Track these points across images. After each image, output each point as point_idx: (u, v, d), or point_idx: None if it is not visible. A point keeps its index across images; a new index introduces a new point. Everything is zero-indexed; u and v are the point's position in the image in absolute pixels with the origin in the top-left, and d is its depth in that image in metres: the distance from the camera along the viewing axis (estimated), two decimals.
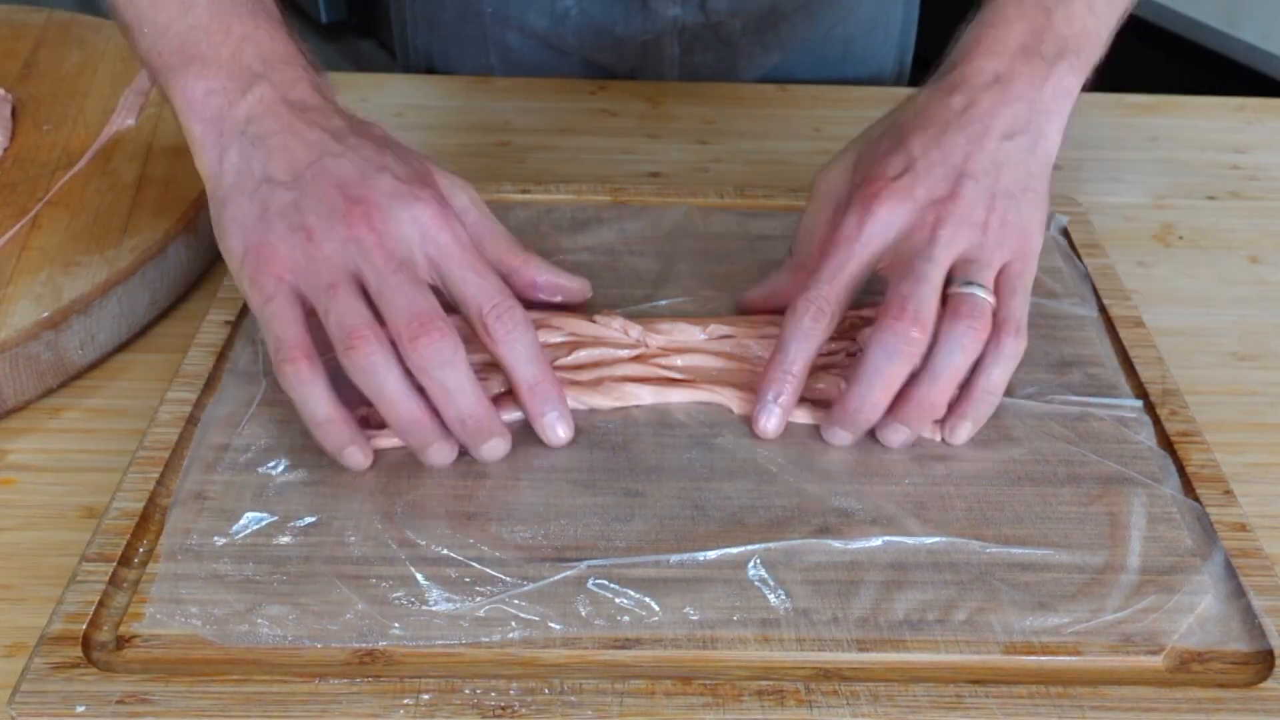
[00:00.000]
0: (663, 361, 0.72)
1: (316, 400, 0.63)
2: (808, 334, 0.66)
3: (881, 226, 0.66)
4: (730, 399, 0.70)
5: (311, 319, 0.64)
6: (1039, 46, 0.69)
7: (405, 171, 0.66)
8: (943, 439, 0.68)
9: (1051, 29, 0.70)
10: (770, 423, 0.67)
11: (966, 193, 0.66)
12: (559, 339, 0.73)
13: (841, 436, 0.67)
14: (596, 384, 0.70)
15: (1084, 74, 0.71)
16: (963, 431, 0.67)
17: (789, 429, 0.69)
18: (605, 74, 1.15)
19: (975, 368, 0.65)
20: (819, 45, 1.16)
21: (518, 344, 0.64)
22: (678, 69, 1.15)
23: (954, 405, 0.67)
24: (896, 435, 0.67)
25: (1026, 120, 0.68)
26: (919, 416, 0.66)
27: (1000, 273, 0.66)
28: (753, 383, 0.70)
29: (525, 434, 0.68)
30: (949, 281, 0.65)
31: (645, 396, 0.70)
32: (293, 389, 0.63)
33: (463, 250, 0.64)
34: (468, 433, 0.64)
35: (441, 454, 0.65)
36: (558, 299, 0.73)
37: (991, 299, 0.65)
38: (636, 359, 0.72)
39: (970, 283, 0.65)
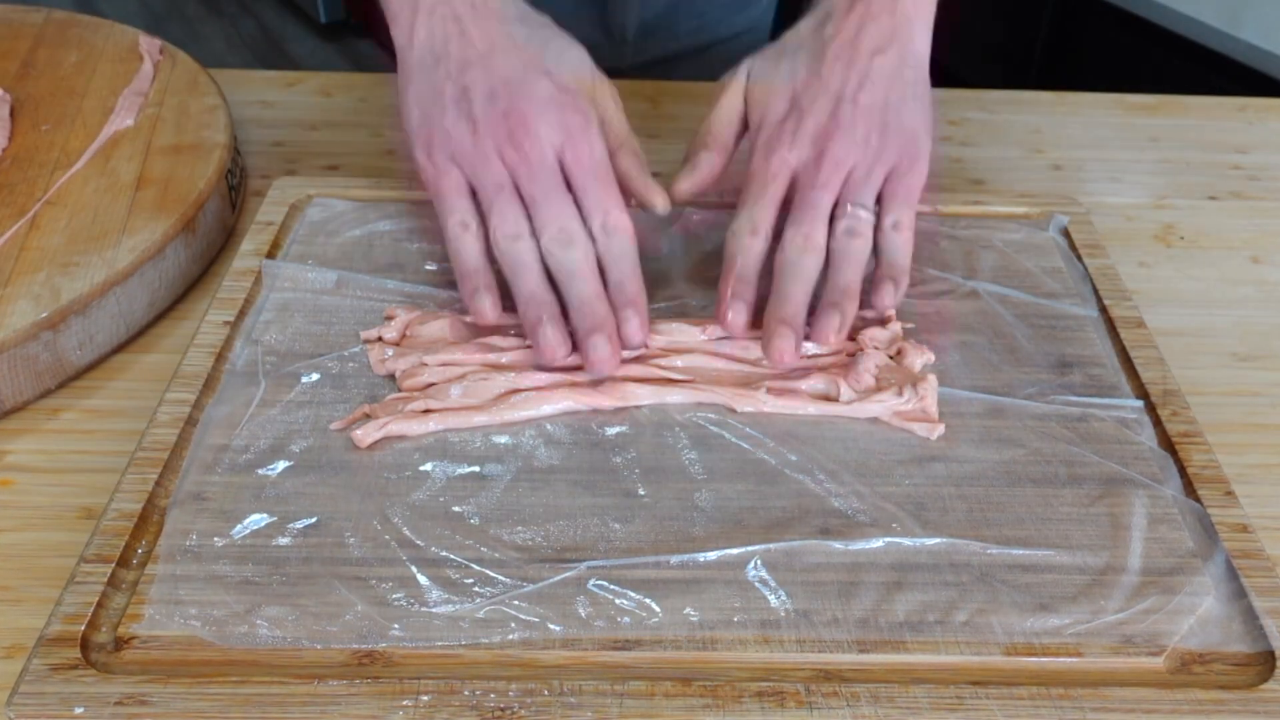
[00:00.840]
0: (662, 362, 0.72)
1: (469, 251, 0.73)
2: (750, 248, 0.74)
3: (781, 163, 0.75)
4: (731, 398, 0.70)
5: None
6: None
7: (562, 78, 0.74)
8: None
9: None
10: (739, 317, 0.72)
11: (845, 115, 0.74)
12: None
13: (784, 337, 0.71)
14: (597, 384, 0.70)
15: None
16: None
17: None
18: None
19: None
20: None
21: (615, 246, 0.72)
22: (638, 25, 1.17)
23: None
24: (831, 321, 0.72)
25: (891, 32, 0.76)
26: (832, 310, 0.72)
27: (887, 179, 0.75)
28: (752, 381, 0.71)
29: (525, 434, 0.68)
30: (839, 201, 0.74)
31: (645, 396, 0.70)
32: (453, 239, 0.73)
33: (593, 162, 0.72)
34: (585, 317, 0.71)
35: (552, 333, 0.70)
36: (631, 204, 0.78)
37: (871, 215, 0.74)
38: (636, 359, 0.72)
39: (852, 204, 0.74)
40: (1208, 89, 1.20)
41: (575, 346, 0.71)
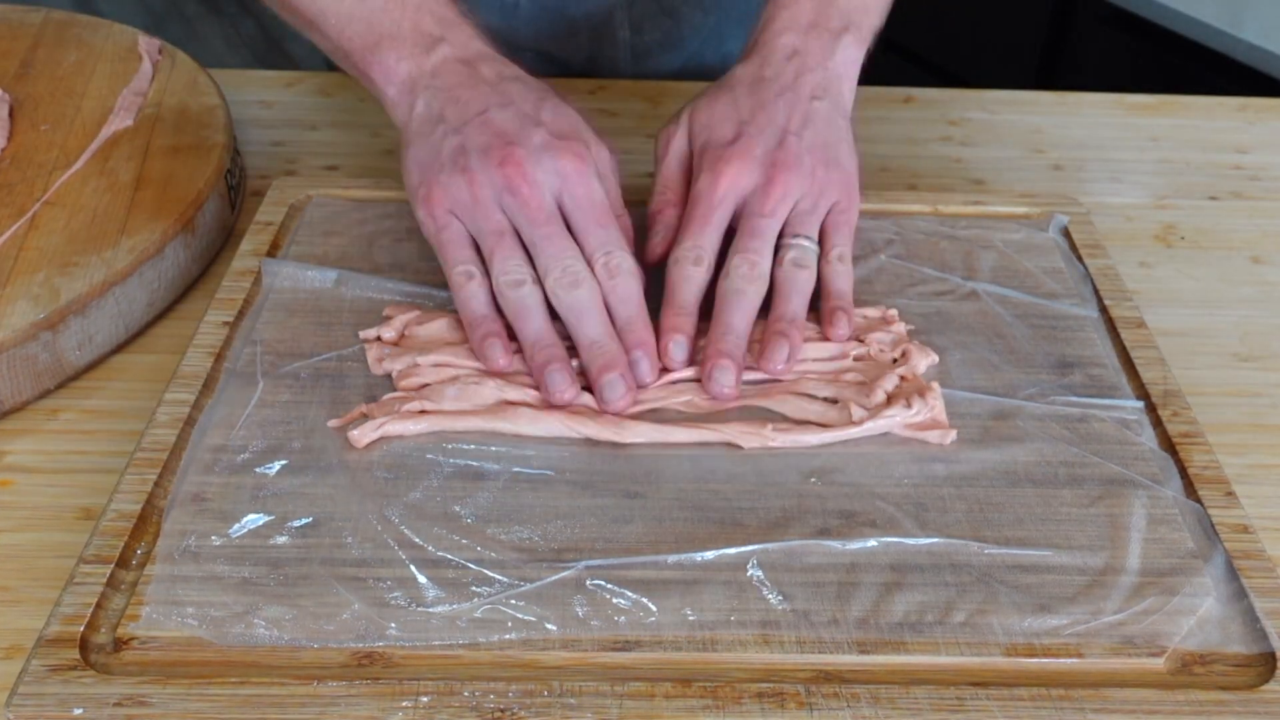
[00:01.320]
0: (663, 403, 0.71)
1: (478, 301, 0.73)
2: (692, 277, 0.74)
3: (729, 185, 0.75)
4: (736, 436, 0.68)
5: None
6: (826, 22, 0.81)
7: (557, 127, 0.74)
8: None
9: (835, 5, 0.82)
10: (680, 352, 0.72)
11: (792, 147, 0.76)
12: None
13: (724, 370, 0.70)
14: (595, 414, 0.69)
15: (865, 43, 0.83)
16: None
17: (799, 406, 0.69)
18: (562, 68, 1.16)
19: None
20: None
21: (620, 288, 0.72)
22: (630, 52, 1.16)
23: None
24: (779, 353, 0.72)
25: (824, 84, 0.80)
26: (781, 339, 0.72)
27: (829, 212, 0.77)
28: (756, 418, 0.70)
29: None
30: (782, 233, 0.75)
31: (646, 434, 0.68)
32: (458, 290, 0.73)
33: (592, 204, 0.73)
34: (597, 357, 0.70)
35: (562, 377, 0.70)
36: None
37: (815, 247, 0.76)
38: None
39: (798, 235, 0.75)
40: (1208, 89, 1.20)
41: (585, 387, 0.71)
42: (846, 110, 0.81)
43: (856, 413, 0.69)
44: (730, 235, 0.75)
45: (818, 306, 0.76)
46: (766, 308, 0.74)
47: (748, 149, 0.76)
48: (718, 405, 0.70)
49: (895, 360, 0.73)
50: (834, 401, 0.70)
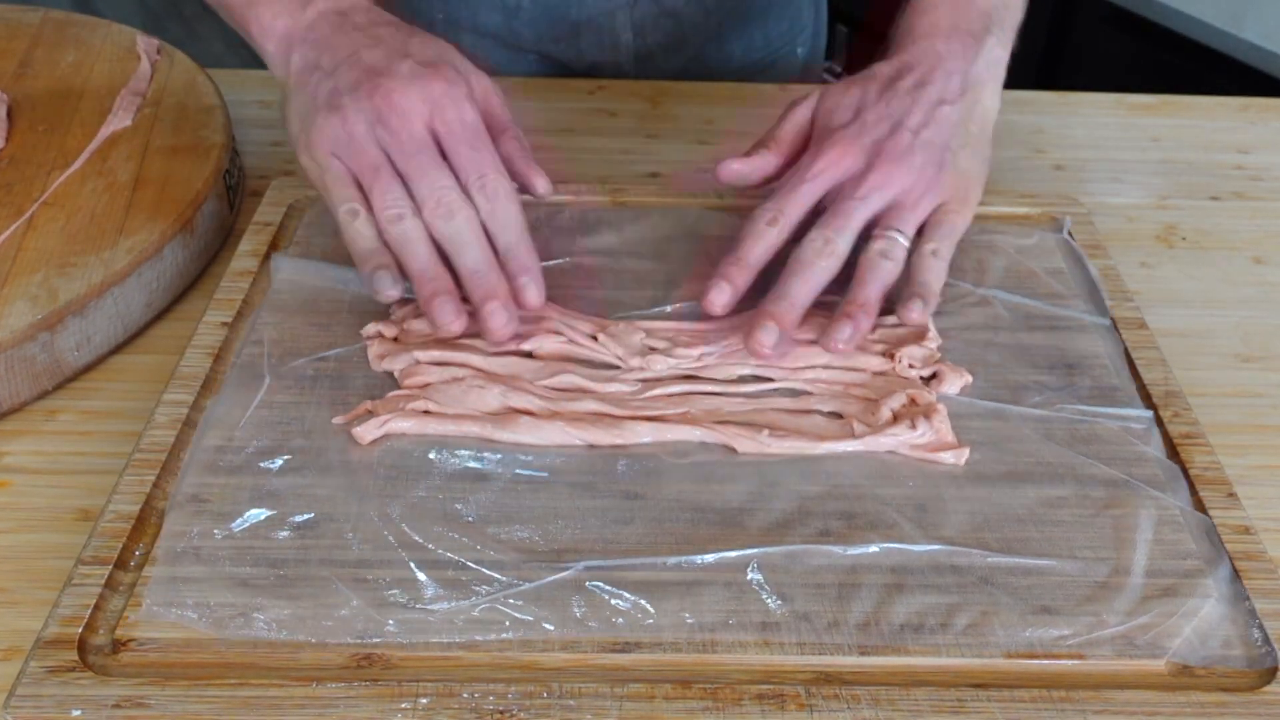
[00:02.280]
0: (660, 392, 0.71)
1: (361, 236, 0.72)
2: (763, 235, 0.74)
3: (829, 165, 0.75)
4: (732, 438, 0.68)
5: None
6: (967, 25, 0.80)
7: (426, 56, 0.74)
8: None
9: (974, 6, 0.80)
10: (721, 298, 0.73)
11: (903, 140, 0.75)
12: (554, 345, 0.73)
13: (768, 330, 0.70)
14: (595, 419, 0.69)
15: (1009, 42, 0.82)
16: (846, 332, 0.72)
17: (796, 423, 0.69)
18: (563, 70, 1.15)
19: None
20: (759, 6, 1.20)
21: (499, 213, 0.72)
22: (632, 55, 1.16)
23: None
24: (843, 331, 0.72)
25: (961, 89, 0.78)
26: (846, 320, 0.72)
27: (933, 212, 0.76)
28: (755, 421, 0.69)
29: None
30: (876, 222, 0.74)
31: (646, 434, 0.68)
32: (344, 228, 0.73)
33: (463, 127, 0.73)
34: (476, 287, 0.70)
35: (447, 308, 0.70)
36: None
37: (907, 243, 0.74)
38: (632, 395, 0.71)
39: (891, 228, 0.74)
40: (1210, 89, 1.19)
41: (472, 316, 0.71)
42: (986, 116, 0.80)
43: (858, 428, 0.68)
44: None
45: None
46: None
47: (857, 135, 0.75)
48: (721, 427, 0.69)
49: (926, 380, 0.73)
50: (839, 416, 0.70)
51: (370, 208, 0.72)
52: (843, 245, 0.73)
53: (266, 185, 0.88)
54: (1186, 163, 1.02)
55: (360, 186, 0.73)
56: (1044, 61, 2.10)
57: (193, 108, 0.93)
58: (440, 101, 0.72)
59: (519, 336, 0.72)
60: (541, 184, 0.77)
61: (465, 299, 0.71)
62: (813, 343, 0.73)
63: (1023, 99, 1.11)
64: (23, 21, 1.03)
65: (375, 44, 0.75)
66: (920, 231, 0.75)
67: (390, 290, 0.71)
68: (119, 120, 0.90)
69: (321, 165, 0.73)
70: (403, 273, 0.72)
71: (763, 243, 0.74)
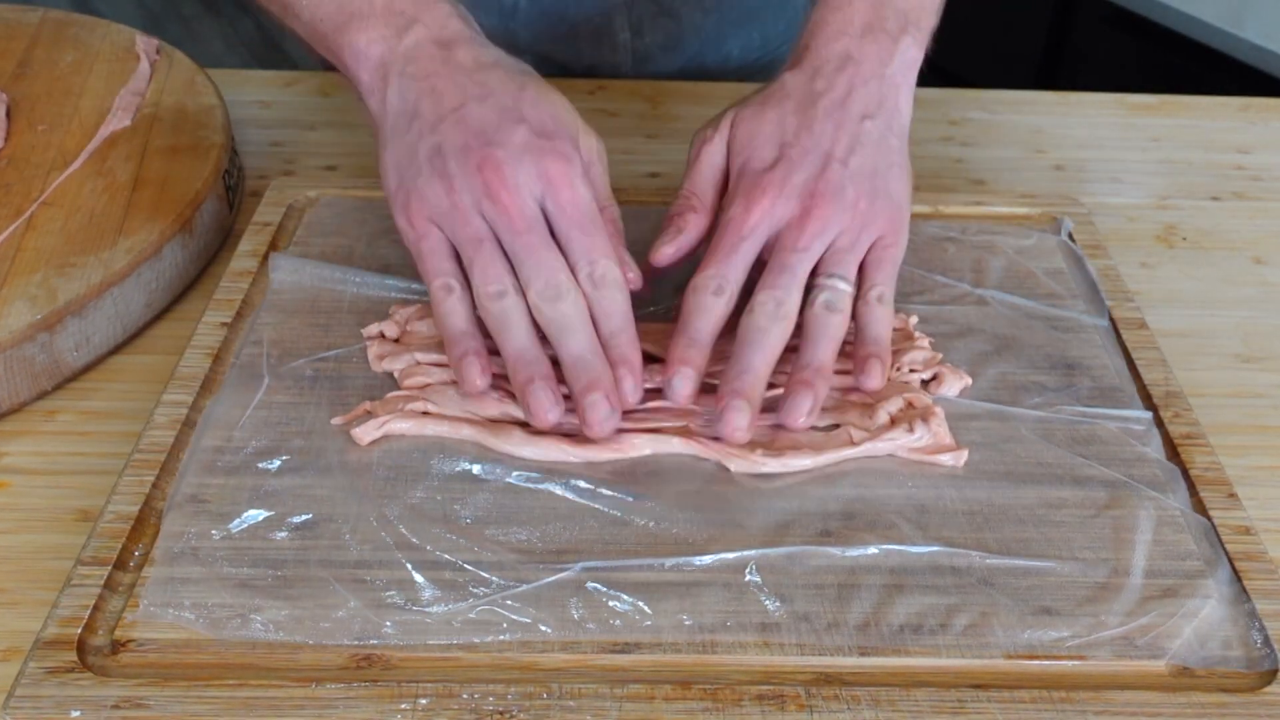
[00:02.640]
0: (659, 404, 0.70)
1: (457, 316, 0.69)
2: (712, 309, 0.70)
3: (763, 215, 0.71)
4: (725, 456, 0.67)
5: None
6: (882, 24, 0.75)
7: (541, 122, 0.70)
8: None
9: (890, 4, 0.76)
10: (685, 387, 0.68)
11: (834, 176, 0.71)
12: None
13: (739, 411, 0.67)
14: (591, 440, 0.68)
15: (925, 43, 0.77)
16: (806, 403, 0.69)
17: (793, 437, 0.69)
18: (561, 70, 1.15)
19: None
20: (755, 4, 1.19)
21: (605, 300, 0.68)
22: (630, 55, 1.16)
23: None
24: (803, 403, 0.68)
25: (879, 98, 0.74)
26: (805, 390, 0.68)
27: (871, 248, 0.72)
28: (754, 438, 0.68)
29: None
30: (816, 271, 0.71)
31: (642, 447, 0.68)
32: (438, 304, 0.70)
33: (578, 209, 0.69)
34: (581, 374, 0.67)
35: (544, 396, 0.67)
36: None
37: (851, 289, 0.71)
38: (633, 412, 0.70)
39: (833, 275, 0.71)
40: (1210, 88, 1.19)
41: (569, 407, 0.68)
42: (903, 125, 0.76)
43: (856, 434, 0.68)
44: (760, 268, 0.71)
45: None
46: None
47: (786, 177, 0.71)
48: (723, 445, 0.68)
49: (926, 382, 0.72)
50: (836, 427, 0.70)
51: (467, 285, 0.69)
52: (792, 304, 0.69)
53: (266, 185, 0.88)
54: (1187, 163, 1.02)
55: (459, 261, 0.70)
56: (1044, 61, 2.10)
57: (192, 108, 0.93)
58: (555, 182, 0.68)
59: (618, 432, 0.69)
60: (634, 277, 0.72)
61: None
62: (778, 427, 0.70)
63: (1022, 99, 1.11)
64: (22, 21, 1.03)
65: (484, 96, 0.70)
66: (860, 270, 0.72)
67: (478, 382, 0.68)
68: (118, 120, 0.90)
69: (420, 232, 0.70)
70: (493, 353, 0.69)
71: (712, 316, 0.69)
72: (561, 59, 1.15)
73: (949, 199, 0.89)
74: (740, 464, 0.67)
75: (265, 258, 0.80)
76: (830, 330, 0.69)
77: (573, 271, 0.68)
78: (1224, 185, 0.99)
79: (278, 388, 0.70)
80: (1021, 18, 2.11)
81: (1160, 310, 0.83)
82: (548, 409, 0.67)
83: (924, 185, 0.97)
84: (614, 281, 0.68)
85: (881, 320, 0.71)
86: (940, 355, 0.74)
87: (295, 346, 0.73)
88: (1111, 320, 0.78)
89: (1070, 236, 0.85)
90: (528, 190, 0.68)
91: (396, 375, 0.71)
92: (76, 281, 0.74)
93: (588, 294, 0.68)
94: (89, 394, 0.75)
